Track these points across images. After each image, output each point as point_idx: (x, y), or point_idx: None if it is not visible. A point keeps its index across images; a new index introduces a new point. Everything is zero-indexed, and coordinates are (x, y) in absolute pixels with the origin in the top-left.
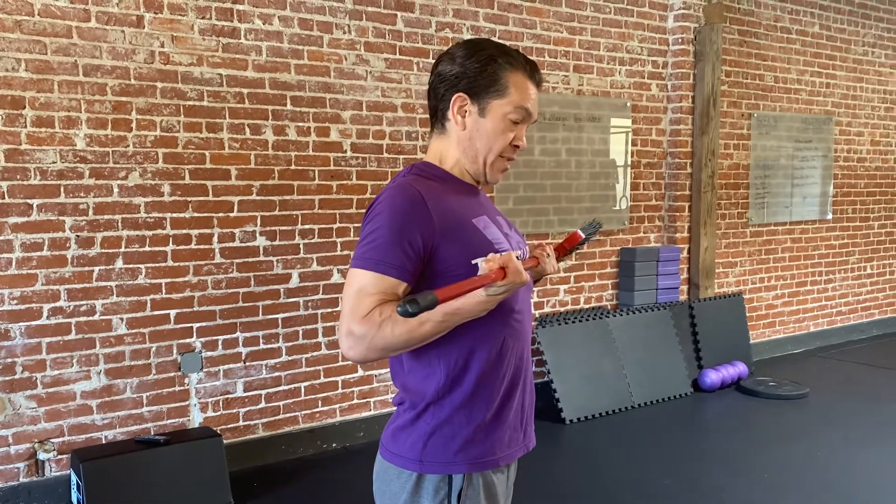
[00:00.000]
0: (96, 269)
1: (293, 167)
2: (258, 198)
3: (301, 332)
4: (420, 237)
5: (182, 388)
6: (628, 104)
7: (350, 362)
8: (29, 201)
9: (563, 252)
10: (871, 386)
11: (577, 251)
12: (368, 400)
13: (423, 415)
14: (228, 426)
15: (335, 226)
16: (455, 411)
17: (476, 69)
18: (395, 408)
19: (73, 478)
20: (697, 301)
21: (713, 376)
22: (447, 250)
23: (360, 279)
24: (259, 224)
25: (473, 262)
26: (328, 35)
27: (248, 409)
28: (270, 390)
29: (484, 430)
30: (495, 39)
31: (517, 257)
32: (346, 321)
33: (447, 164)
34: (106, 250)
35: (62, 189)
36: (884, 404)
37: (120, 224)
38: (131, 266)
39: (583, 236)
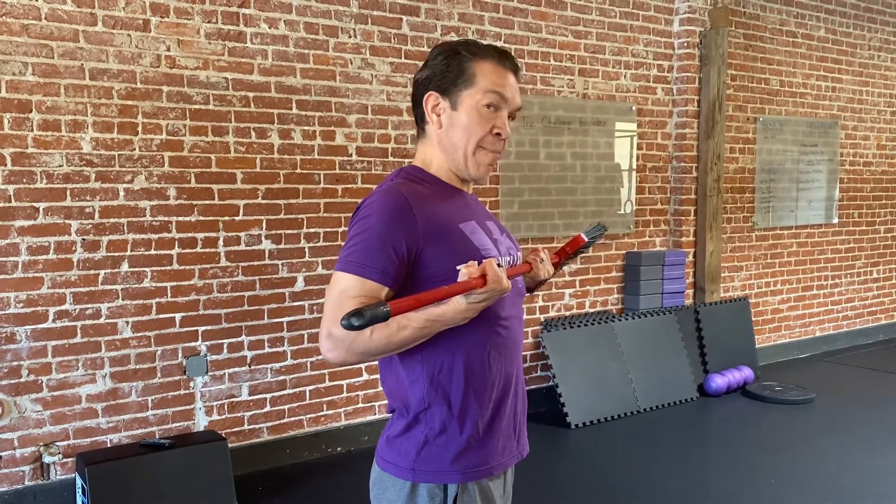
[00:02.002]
0: (102, 272)
1: (298, 171)
2: (264, 201)
3: (306, 336)
4: (404, 242)
5: (187, 391)
6: (633, 108)
7: (354, 366)
8: (35, 205)
9: (564, 256)
10: (878, 391)
11: (582, 255)
12: (373, 404)
13: (414, 424)
14: (233, 430)
15: (340, 229)
16: (447, 421)
17: (442, 65)
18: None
19: (79, 481)
20: (703, 305)
21: (719, 381)
22: (432, 255)
23: (343, 282)
24: (264, 227)
25: (458, 268)
26: (334, 39)
27: (253, 412)
28: (275, 394)
29: (477, 440)
30: (469, 38)
31: (507, 263)
32: (326, 323)
33: (433, 168)
34: (112, 254)
35: (68, 192)
36: (890, 409)
37: (126, 227)
38: (137, 269)
39: (586, 240)
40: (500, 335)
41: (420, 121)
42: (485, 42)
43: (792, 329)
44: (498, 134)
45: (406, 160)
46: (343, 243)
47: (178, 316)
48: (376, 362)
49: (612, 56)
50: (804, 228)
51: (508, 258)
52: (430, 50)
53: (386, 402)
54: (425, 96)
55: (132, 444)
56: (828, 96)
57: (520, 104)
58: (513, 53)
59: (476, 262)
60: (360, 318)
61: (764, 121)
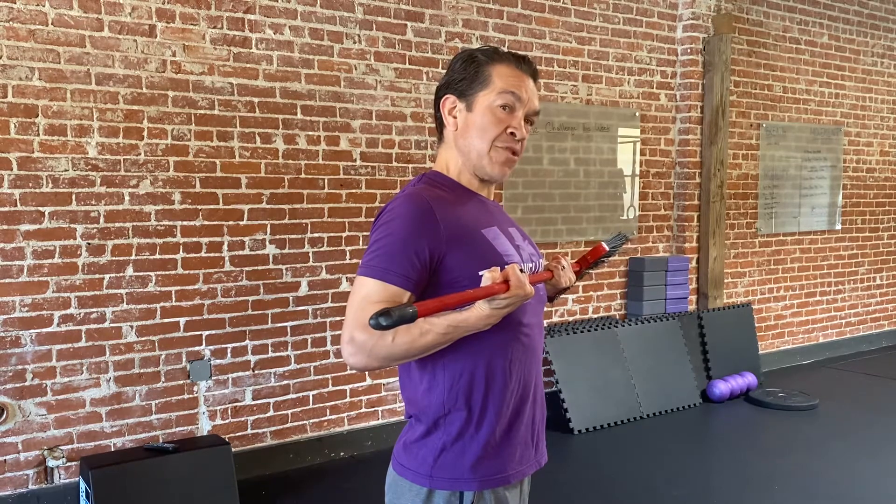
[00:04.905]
0: (107, 276)
1: (303, 176)
2: (268, 206)
3: (310, 341)
4: (427, 247)
5: (191, 395)
6: (637, 114)
7: (359, 371)
8: (41, 209)
9: (585, 264)
10: (881, 397)
11: (603, 263)
12: (376, 409)
13: (432, 430)
14: (237, 434)
15: (344, 234)
16: (464, 428)
17: (460, 69)
18: (403, 418)
19: (83, 485)
20: (706, 311)
21: (722, 387)
22: (454, 260)
23: (365, 287)
24: (269, 232)
25: (480, 273)
26: (338, 45)
27: (256, 417)
28: (279, 398)
29: (495, 447)
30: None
31: (529, 269)
32: (348, 328)
33: (453, 173)
34: (116, 258)
35: (74, 197)
36: (894, 416)
37: (130, 232)
38: (141, 274)
39: (607, 248)
40: (521, 342)
41: (439, 125)
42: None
43: (795, 335)
44: (512, 133)
45: (410, 165)
46: (345, 247)
47: (182, 320)
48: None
49: (615, 62)
50: (807, 234)
51: (530, 265)
52: (433, 56)
53: (388, 406)
54: (442, 99)
55: (136, 448)
56: (831, 102)
57: (537, 107)
58: None
59: (499, 268)
60: (388, 318)
61: (767, 127)
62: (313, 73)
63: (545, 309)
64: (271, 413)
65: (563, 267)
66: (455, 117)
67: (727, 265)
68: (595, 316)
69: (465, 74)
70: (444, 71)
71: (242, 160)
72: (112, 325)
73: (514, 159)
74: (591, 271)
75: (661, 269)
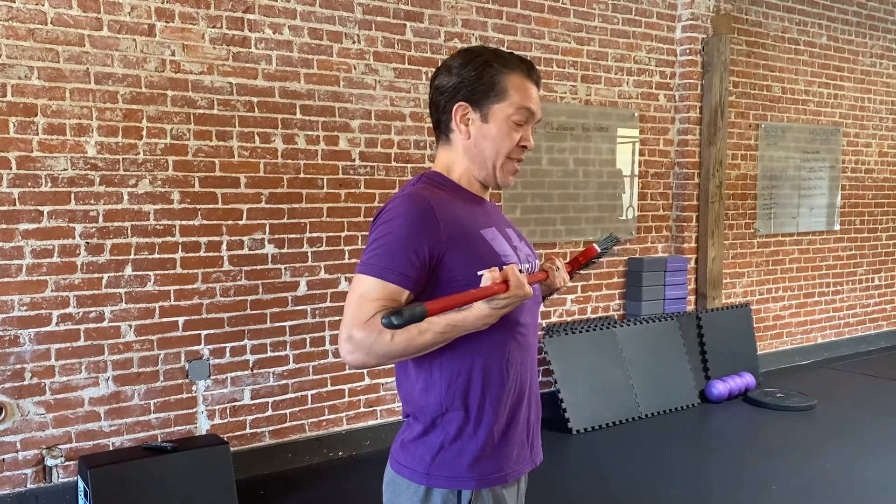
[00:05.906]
0: (105, 275)
1: (302, 175)
2: (267, 206)
3: (308, 340)
4: (427, 246)
5: (189, 395)
6: (636, 114)
7: (357, 370)
8: (40, 208)
9: (577, 266)
10: (880, 398)
11: (594, 264)
12: (375, 408)
13: (430, 429)
14: (235, 434)
15: (343, 234)
16: (463, 426)
17: (473, 77)
18: (401, 418)
19: (81, 484)
20: (705, 311)
21: (720, 387)
22: (453, 260)
23: (364, 284)
24: (268, 232)
25: (479, 273)
26: (338, 44)
27: (255, 416)
28: (277, 398)
29: (492, 447)
30: (491, 45)
31: (527, 270)
32: (346, 326)
33: (454, 175)
34: (115, 257)
35: (73, 196)
36: (892, 416)
37: (129, 231)
38: (140, 273)
39: (599, 250)
40: (517, 342)
41: (443, 127)
42: (510, 52)
43: (793, 336)
44: (524, 146)
45: (409, 165)
46: (344, 247)
47: (180, 320)
48: (382, 367)
49: (614, 62)
50: (806, 235)
51: (527, 265)
52: (432, 56)
53: (387, 406)
54: (455, 106)
55: (135, 447)
56: (830, 103)
57: (541, 117)
58: None
59: (498, 268)
60: (399, 317)
61: (766, 127)
62: (312, 73)
63: (541, 309)
64: (270, 412)
65: (558, 268)
66: (467, 125)
67: (726, 265)
68: (594, 316)
69: (479, 83)
70: (434, 73)
71: (241, 160)
72: (111, 324)
73: (518, 169)
74: (582, 272)
75: (659, 270)
